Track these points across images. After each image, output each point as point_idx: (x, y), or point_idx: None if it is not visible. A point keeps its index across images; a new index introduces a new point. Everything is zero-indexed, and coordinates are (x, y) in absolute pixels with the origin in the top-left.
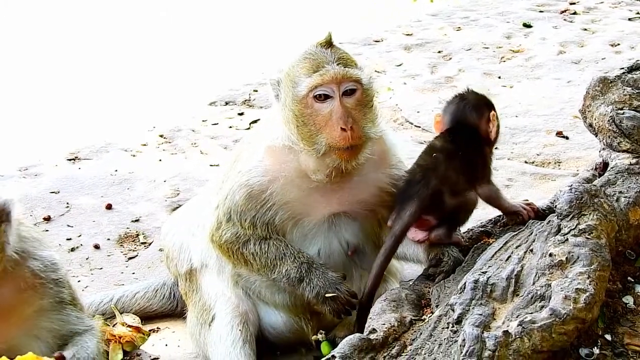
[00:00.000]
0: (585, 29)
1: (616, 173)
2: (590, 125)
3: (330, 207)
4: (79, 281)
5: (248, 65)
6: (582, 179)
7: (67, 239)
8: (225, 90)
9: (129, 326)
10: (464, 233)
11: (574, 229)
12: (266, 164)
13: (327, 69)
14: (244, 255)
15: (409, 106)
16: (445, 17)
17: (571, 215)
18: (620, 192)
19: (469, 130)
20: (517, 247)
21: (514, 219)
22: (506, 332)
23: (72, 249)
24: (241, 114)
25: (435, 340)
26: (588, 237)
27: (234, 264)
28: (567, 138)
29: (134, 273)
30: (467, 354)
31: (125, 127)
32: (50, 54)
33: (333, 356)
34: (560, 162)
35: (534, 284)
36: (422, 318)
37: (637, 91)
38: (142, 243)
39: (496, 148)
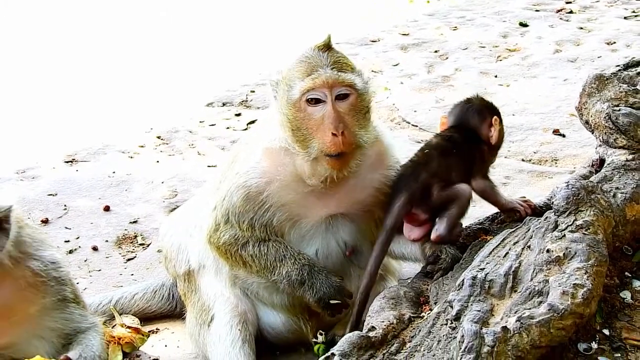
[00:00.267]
0: (581, 28)
1: (613, 169)
2: (587, 122)
3: (327, 209)
4: (77, 283)
5: (245, 66)
6: (578, 175)
7: (65, 241)
8: (222, 91)
9: (128, 327)
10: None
11: (571, 225)
12: (263, 165)
13: (319, 72)
14: (242, 257)
15: (405, 106)
16: (442, 16)
17: (568, 212)
18: (617, 188)
19: (469, 130)
20: (514, 244)
21: (511, 216)
22: (505, 328)
23: (71, 251)
24: (238, 114)
25: (434, 337)
26: (585, 233)
27: (232, 266)
28: (563, 136)
29: (132, 274)
30: (466, 350)
31: (122, 128)
32: (48, 56)
33: (332, 354)
34: (557, 160)
35: (531, 280)
36: (421, 315)
37: (632, 88)
38: (140, 244)
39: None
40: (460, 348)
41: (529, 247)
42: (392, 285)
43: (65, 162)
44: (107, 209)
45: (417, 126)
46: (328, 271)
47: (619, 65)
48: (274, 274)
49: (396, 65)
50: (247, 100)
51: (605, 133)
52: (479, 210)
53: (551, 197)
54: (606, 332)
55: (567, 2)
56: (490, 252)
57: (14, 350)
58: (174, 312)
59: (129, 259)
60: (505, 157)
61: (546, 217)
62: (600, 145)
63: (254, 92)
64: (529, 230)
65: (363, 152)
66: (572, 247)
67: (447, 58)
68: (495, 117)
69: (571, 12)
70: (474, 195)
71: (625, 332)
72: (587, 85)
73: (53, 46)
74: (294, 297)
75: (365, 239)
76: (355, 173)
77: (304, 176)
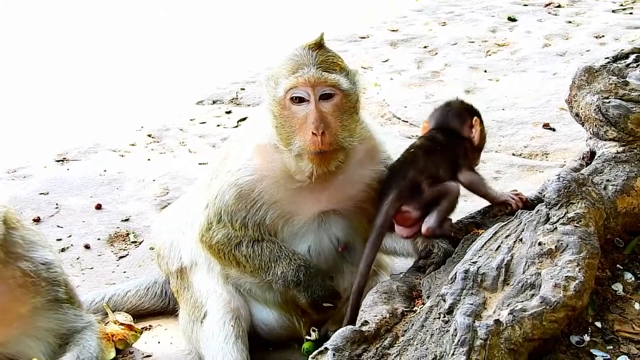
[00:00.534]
0: (570, 22)
1: (603, 161)
2: (577, 114)
3: (319, 205)
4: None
5: (235, 64)
6: (569, 168)
7: (58, 240)
8: (212, 88)
9: (122, 324)
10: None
11: (562, 217)
12: (255, 162)
13: (303, 71)
14: (236, 257)
15: (396, 101)
16: (431, 12)
17: (560, 204)
18: (608, 180)
19: (450, 131)
20: (506, 237)
21: (503, 209)
22: (497, 321)
23: (63, 250)
24: (229, 112)
25: (427, 331)
26: (577, 225)
27: (224, 265)
28: (553, 130)
29: (125, 272)
30: (459, 343)
31: (113, 127)
32: (38, 56)
33: (326, 348)
34: (547, 154)
35: (524, 272)
36: (414, 309)
37: (622, 80)
38: (132, 242)
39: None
40: (453, 341)
41: (520, 240)
42: (385, 280)
43: (57, 161)
44: (98, 207)
45: (407, 122)
46: (322, 273)
47: (608, 58)
48: (269, 274)
49: (386, 61)
50: (237, 98)
51: (595, 125)
52: (470, 205)
53: (542, 190)
54: (598, 324)
55: None
56: (483, 246)
57: (9, 350)
58: (166, 309)
59: (121, 257)
60: (496, 152)
61: (538, 210)
62: (590, 138)
63: (244, 89)
64: (520, 223)
65: (347, 150)
66: (564, 240)
67: (436, 53)
68: (475, 117)
69: (559, 6)
70: (466, 191)
71: (618, 325)
72: (576, 77)
73: (45, 45)
74: (287, 295)
75: (357, 235)
76: (345, 169)
77: (292, 172)
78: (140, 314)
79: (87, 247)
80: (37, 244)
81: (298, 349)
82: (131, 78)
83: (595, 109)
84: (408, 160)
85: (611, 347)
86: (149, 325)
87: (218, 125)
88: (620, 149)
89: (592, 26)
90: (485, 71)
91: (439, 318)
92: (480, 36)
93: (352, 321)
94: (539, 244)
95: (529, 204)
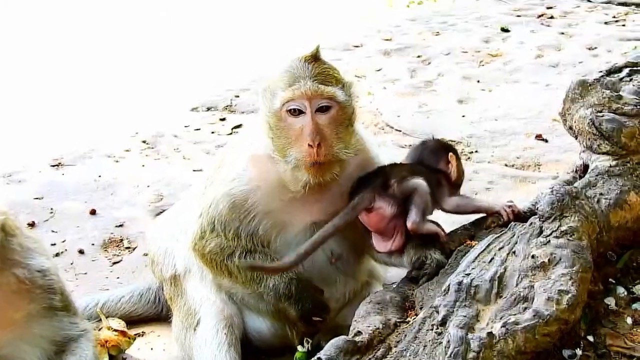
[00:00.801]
0: (563, 33)
1: (596, 175)
2: (570, 127)
3: (311, 216)
4: None
5: (230, 71)
6: (562, 181)
7: (52, 244)
8: (206, 95)
9: (115, 330)
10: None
11: (555, 230)
12: (249, 172)
13: (300, 84)
14: (228, 267)
15: (389, 110)
16: (424, 22)
17: (553, 217)
18: (601, 194)
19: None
20: (499, 249)
21: (496, 221)
22: (490, 334)
23: (57, 254)
24: (223, 119)
25: (420, 342)
26: (570, 238)
27: (216, 275)
28: (546, 141)
29: (118, 278)
30: (452, 355)
31: (108, 132)
32: (34, 60)
33: (319, 358)
34: (540, 165)
35: (517, 285)
36: (407, 320)
37: (616, 94)
38: (126, 248)
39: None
40: (446, 353)
41: (514, 252)
42: (378, 290)
43: (52, 165)
44: (93, 212)
45: (400, 131)
46: (313, 286)
47: (601, 71)
48: (260, 286)
49: (379, 70)
50: (231, 105)
51: (589, 139)
52: (463, 217)
53: (535, 202)
54: (590, 338)
55: (548, 8)
56: (476, 258)
57: (4, 355)
58: (160, 316)
59: (115, 262)
60: (488, 162)
61: (531, 223)
62: (583, 151)
63: (238, 97)
64: (514, 235)
65: (343, 162)
66: (557, 253)
67: (429, 63)
68: (450, 153)
69: (552, 17)
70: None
71: (610, 339)
72: (570, 91)
73: (41, 49)
74: (277, 306)
75: (350, 246)
76: (339, 181)
77: (287, 183)
78: (133, 320)
79: (81, 252)
80: (34, 251)
81: (291, 357)
82: (126, 84)
83: (588, 123)
84: (382, 168)
85: None
86: (142, 332)
87: (212, 132)
88: (614, 162)
89: (585, 38)
90: (478, 81)
91: (432, 330)
92: (474, 46)
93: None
94: (532, 256)
95: (521, 216)
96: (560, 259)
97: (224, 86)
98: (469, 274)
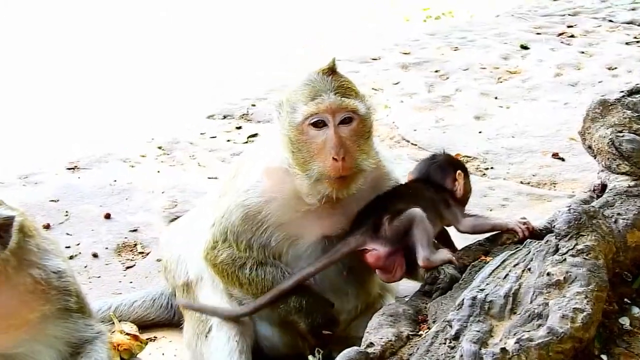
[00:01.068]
0: (583, 52)
1: (615, 195)
2: (590, 147)
3: (324, 230)
4: None
5: (246, 80)
6: (579, 200)
7: (66, 247)
8: (223, 103)
9: (127, 334)
10: (460, 251)
11: (572, 249)
12: (263, 184)
13: (323, 97)
14: (239, 278)
15: (405, 124)
16: (443, 37)
17: (569, 236)
18: (619, 214)
19: (432, 182)
20: (514, 266)
21: (511, 237)
22: (504, 350)
23: (71, 257)
24: (239, 127)
25: (432, 356)
26: (586, 257)
27: (227, 284)
28: (563, 160)
29: (131, 282)
30: None
31: (124, 138)
32: (52, 63)
33: None
34: (555, 184)
35: (531, 302)
36: (419, 333)
37: (636, 114)
38: (140, 253)
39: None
40: None
41: (529, 269)
42: (391, 303)
43: (68, 169)
44: (107, 216)
45: (416, 145)
46: (324, 300)
47: (622, 92)
48: None
49: (397, 83)
50: (247, 114)
51: (608, 158)
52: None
53: (552, 220)
54: (604, 357)
55: (568, 26)
56: (490, 273)
57: (18, 356)
58: (172, 321)
59: (128, 267)
60: (504, 179)
61: (547, 241)
62: (602, 171)
63: (254, 105)
64: (529, 252)
65: (364, 175)
66: (573, 272)
67: (447, 78)
68: (459, 171)
69: (572, 36)
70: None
71: (624, 359)
72: (590, 110)
73: (57, 54)
74: (287, 319)
75: (361, 260)
76: (353, 195)
77: (303, 195)
78: (145, 325)
79: (95, 255)
80: (50, 253)
81: None
82: (143, 89)
83: (608, 142)
84: (380, 196)
85: None
86: (154, 337)
87: (228, 141)
88: (632, 183)
89: (605, 57)
90: (496, 98)
91: (445, 343)
92: (492, 63)
93: None
94: (548, 274)
95: (536, 234)
96: (575, 278)
97: (241, 95)
98: (484, 289)
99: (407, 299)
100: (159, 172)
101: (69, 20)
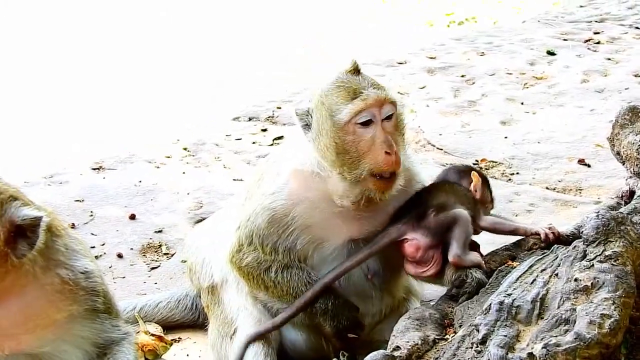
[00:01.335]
0: (609, 59)
1: None
2: (618, 153)
3: (350, 233)
4: None
5: (272, 82)
6: (607, 206)
7: (91, 247)
8: (249, 106)
9: (152, 335)
10: (487, 256)
11: (599, 255)
12: (290, 187)
13: (367, 93)
14: (264, 281)
15: (431, 128)
16: (469, 42)
17: (597, 242)
18: None
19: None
20: (542, 271)
21: (538, 242)
22: (531, 354)
23: (96, 257)
24: (264, 130)
25: None
26: (614, 263)
27: (252, 288)
28: (588, 166)
29: (156, 283)
30: None
31: (149, 139)
32: (79, 64)
33: None
34: (581, 190)
35: (558, 307)
36: (445, 337)
37: None
38: (164, 254)
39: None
40: None
41: (556, 275)
42: (417, 307)
43: (93, 169)
44: (132, 217)
45: (441, 149)
46: (349, 303)
47: None
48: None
49: (422, 88)
50: (273, 116)
51: (636, 165)
52: (505, 237)
53: (580, 226)
54: None
55: (595, 33)
56: (518, 278)
57: (46, 356)
58: (196, 322)
59: (153, 268)
60: (530, 185)
61: (575, 246)
62: (630, 177)
63: (280, 108)
64: (556, 258)
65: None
66: (600, 277)
67: (473, 83)
68: (473, 172)
69: (599, 42)
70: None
71: None
72: (620, 116)
73: (84, 55)
74: (311, 322)
75: (387, 263)
76: (377, 203)
77: (335, 197)
78: (170, 326)
79: (119, 256)
80: (79, 253)
81: None
82: (169, 91)
83: (637, 149)
84: (420, 193)
85: None
86: (179, 338)
87: (253, 143)
88: None
89: (632, 64)
90: (522, 103)
91: (472, 348)
92: (519, 68)
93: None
94: (575, 280)
95: (563, 239)
96: (603, 283)
97: (267, 97)
98: (511, 294)
99: (433, 303)
100: (184, 173)
101: (93, 21)
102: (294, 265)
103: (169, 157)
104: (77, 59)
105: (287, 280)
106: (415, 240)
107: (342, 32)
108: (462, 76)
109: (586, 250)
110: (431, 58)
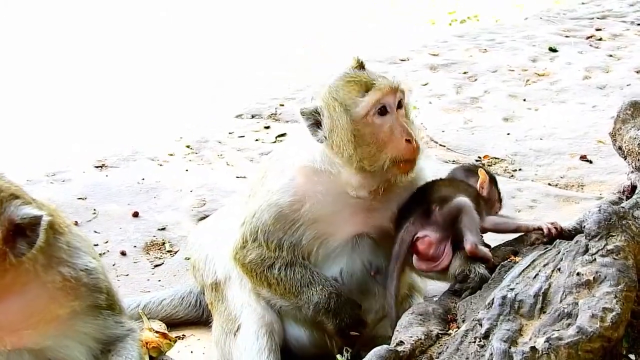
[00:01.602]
0: (611, 55)
1: None
2: (620, 148)
3: (356, 228)
4: None
5: (275, 80)
6: (608, 201)
7: (94, 245)
8: (251, 103)
9: (156, 332)
10: (490, 252)
11: (601, 249)
12: (297, 183)
13: (380, 83)
14: (268, 278)
15: (434, 125)
16: (471, 38)
17: (599, 236)
18: None
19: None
20: (544, 266)
21: (540, 237)
22: (533, 348)
23: (99, 255)
24: (267, 127)
25: (462, 354)
26: (615, 257)
27: (255, 284)
28: (590, 162)
29: (159, 280)
30: None
31: (152, 136)
32: (82, 62)
33: None
34: (583, 186)
35: (561, 301)
36: (448, 332)
37: None
38: (168, 251)
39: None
40: None
41: (559, 269)
42: (421, 302)
43: (95, 167)
44: (135, 214)
45: (444, 146)
46: (352, 301)
47: None
48: (299, 299)
49: (425, 84)
50: (276, 114)
51: (638, 160)
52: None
53: (581, 221)
54: (632, 357)
55: (597, 29)
56: (520, 273)
57: (50, 351)
58: (200, 319)
59: (156, 265)
60: (532, 181)
61: (577, 241)
62: (632, 172)
63: (283, 105)
64: (559, 253)
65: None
66: (602, 272)
67: (476, 80)
68: (481, 169)
69: (601, 39)
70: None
71: None
72: (622, 111)
73: (86, 53)
74: (314, 319)
75: (390, 260)
76: (389, 193)
77: (350, 190)
78: (174, 323)
79: (123, 253)
80: (80, 250)
81: None
82: (172, 89)
83: (639, 143)
84: (421, 189)
85: None
86: (183, 335)
87: (256, 140)
88: None
89: (633, 61)
90: (524, 100)
91: (475, 342)
92: (521, 65)
93: None
94: (577, 274)
95: (565, 234)
96: (605, 278)
97: (269, 94)
98: (513, 288)
99: (436, 299)
100: (187, 170)
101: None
102: (297, 262)
103: (171, 154)
104: (79, 57)
105: (290, 277)
106: (427, 238)
107: (342, 32)
108: (465, 73)
109: (588, 245)
110: (433, 55)
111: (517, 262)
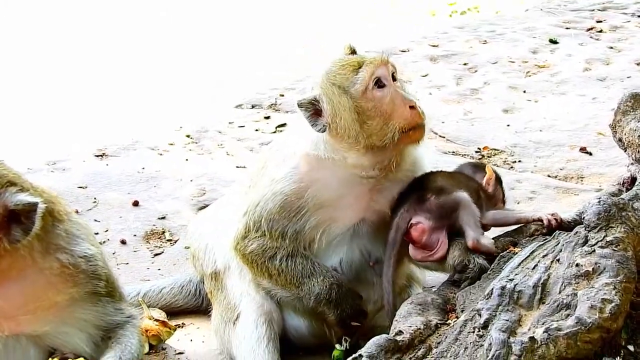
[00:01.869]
0: (611, 47)
1: None
2: (620, 140)
3: (359, 213)
4: None
5: (275, 70)
6: (608, 193)
7: (95, 234)
8: (252, 93)
9: (156, 320)
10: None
11: (601, 240)
12: (301, 170)
13: (370, 58)
14: (268, 269)
15: (433, 116)
16: (472, 30)
17: (599, 227)
18: None
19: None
20: (543, 257)
21: (540, 229)
22: (532, 338)
23: (100, 243)
24: (267, 117)
25: (461, 344)
26: (615, 249)
27: (256, 275)
28: (590, 154)
29: (159, 269)
30: (493, 357)
31: (152, 126)
32: (82, 52)
33: (360, 355)
34: (583, 177)
35: (560, 292)
36: (448, 322)
37: None
38: (167, 240)
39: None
40: (487, 356)
41: (558, 260)
42: (420, 292)
43: (96, 156)
44: (136, 203)
45: (444, 137)
46: (353, 291)
47: None
48: (300, 290)
49: (425, 75)
50: (276, 104)
51: (638, 151)
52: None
53: (581, 212)
54: (631, 348)
55: (597, 21)
56: (520, 264)
57: (50, 339)
58: (200, 308)
59: (156, 254)
60: (532, 172)
61: (576, 232)
62: (632, 164)
63: (283, 96)
64: (558, 243)
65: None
66: (602, 263)
67: (476, 71)
68: (488, 165)
69: (601, 31)
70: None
71: None
72: (622, 103)
73: (87, 42)
74: (315, 310)
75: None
76: (391, 177)
77: (359, 171)
78: (173, 312)
79: (123, 242)
80: (79, 237)
81: (328, 355)
82: (172, 78)
83: (639, 135)
84: (420, 178)
85: None
86: (182, 323)
87: (256, 130)
88: None
89: (634, 53)
90: (525, 91)
91: (474, 332)
92: (521, 56)
93: None
94: (577, 265)
95: (564, 225)
96: (604, 269)
97: (269, 85)
98: (513, 279)
99: (435, 289)
100: (187, 160)
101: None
102: (298, 253)
103: (172, 144)
104: (80, 48)
105: (291, 268)
106: (420, 224)
107: (342, 32)
108: (465, 64)
109: (587, 236)
110: (434, 46)
111: (517, 252)
